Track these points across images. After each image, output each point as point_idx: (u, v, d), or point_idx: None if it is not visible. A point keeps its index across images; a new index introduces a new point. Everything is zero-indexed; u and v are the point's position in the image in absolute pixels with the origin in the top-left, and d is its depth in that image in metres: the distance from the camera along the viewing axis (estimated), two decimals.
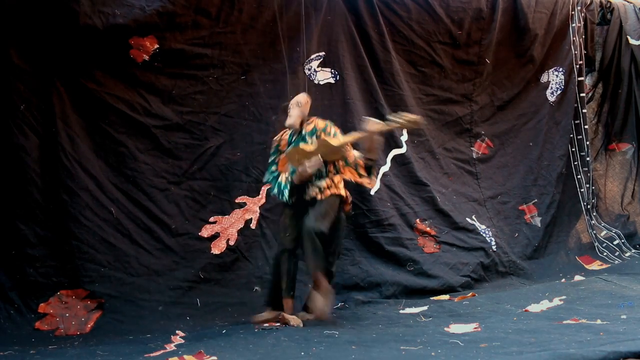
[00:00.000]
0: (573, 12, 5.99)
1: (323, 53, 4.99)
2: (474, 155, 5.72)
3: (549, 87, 5.98)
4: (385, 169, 5.16)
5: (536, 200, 5.79)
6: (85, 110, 4.31)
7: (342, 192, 3.99)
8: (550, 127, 5.93)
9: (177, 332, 3.90)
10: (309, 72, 4.96)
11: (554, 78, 5.98)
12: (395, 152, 5.25)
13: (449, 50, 5.53)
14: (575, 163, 6.03)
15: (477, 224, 5.40)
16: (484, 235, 5.35)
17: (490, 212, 5.59)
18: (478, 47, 5.63)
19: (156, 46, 4.40)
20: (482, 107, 5.73)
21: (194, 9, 4.48)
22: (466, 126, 5.69)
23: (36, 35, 4.10)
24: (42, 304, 4.04)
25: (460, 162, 5.64)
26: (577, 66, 6.00)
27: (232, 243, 4.57)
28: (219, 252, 4.53)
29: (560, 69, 5.97)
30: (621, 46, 6.25)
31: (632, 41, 6.23)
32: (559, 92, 5.97)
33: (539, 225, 5.73)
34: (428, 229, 5.17)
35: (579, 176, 6.01)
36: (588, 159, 6.04)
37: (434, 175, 5.45)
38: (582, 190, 6.00)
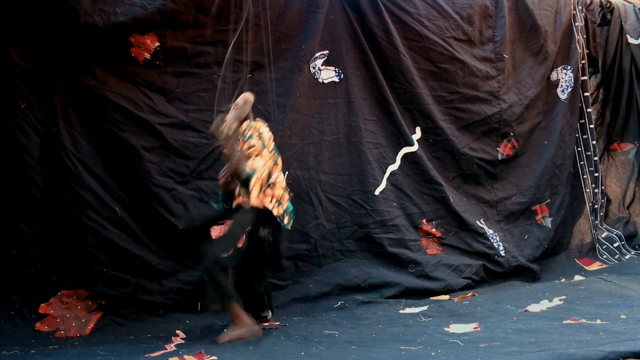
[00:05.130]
0: (574, 12, 5.97)
1: (327, 52, 4.96)
2: (499, 157, 5.59)
3: (559, 85, 5.92)
4: (394, 167, 5.11)
5: (549, 200, 5.72)
6: (87, 109, 4.26)
7: (259, 203, 3.69)
8: (563, 125, 5.86)
9: (177, 332, 3.91)
10: (313, 71, 4.94)
11: (563, 76, 5.93)
12: (405, 150, 5.17)
13: (466, 47, 5.44)
14: (582, 163, 5.99)
15: (485, 227, 5.34)
16: (491, 240, 5.28)
17: (500, 214, 5.52)
18: (492, 44, 5.56)
19: (157, 44, 4.35)
20: (511, 105, 5.60)
21: (195, 7, 4.45)
22: (494, 125, 5.55)
23: (36, 33, 4.09)
24: (42, 305, 4.03)
25: (484, 163, 5.50)
26: (581, 65, 5.98)
27: (239, 245, 4.45)
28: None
29: (569, 67, 5.92)
30: (622, 46, 6.23)
31: (631, 40, 6.21)
32: (569, 89, 5.92)
33: (550, 226, 5.65)
34: (433, 230, 5.14)
35: (584, 176, 5.98)
36: (595, 158, 6.01)
37: (446, 175, 5.38)
38: (588, 190, 5.97)
